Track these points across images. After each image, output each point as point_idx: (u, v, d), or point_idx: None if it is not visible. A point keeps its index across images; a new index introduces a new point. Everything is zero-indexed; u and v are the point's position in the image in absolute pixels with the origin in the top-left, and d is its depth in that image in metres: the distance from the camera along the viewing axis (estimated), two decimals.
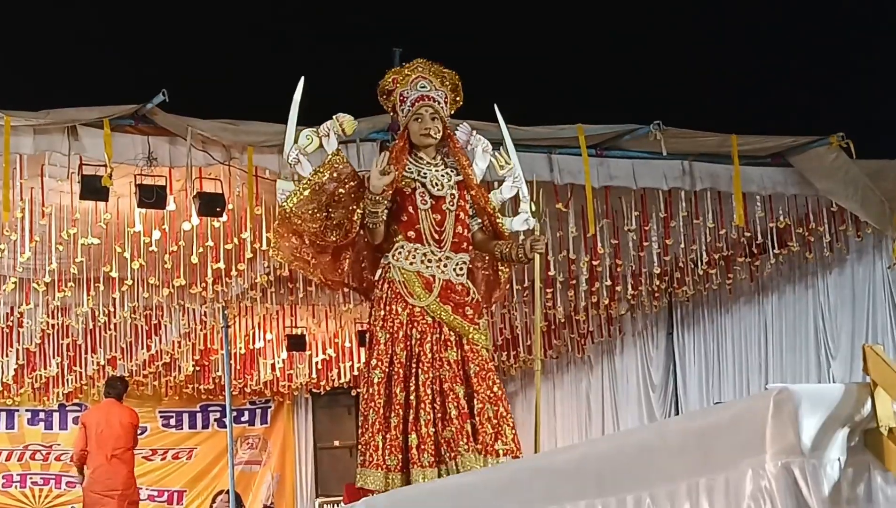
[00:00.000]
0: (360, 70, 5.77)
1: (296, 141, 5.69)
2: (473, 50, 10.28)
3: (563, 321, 13.01)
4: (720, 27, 11.33)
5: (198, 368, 14.35)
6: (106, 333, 12.61)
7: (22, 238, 9.26)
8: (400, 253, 5.66)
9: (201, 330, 13.06)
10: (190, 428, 16.38)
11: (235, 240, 9.63)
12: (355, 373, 14.64)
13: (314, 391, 16.00)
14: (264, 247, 9.62)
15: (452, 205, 5.73)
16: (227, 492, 12.61)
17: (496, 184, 6.37)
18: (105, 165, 8.15)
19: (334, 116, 5.81)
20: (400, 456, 5.47)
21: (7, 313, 12.13)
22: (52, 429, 15.26)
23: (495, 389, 5.65)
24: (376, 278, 5.76)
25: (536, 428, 5.94)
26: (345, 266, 5.86)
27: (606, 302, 12.04)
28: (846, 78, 10.87)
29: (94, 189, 8.32)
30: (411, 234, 5.67)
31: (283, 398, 16.50)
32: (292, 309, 13.04)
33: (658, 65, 11.31)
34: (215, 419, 16.25)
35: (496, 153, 6.09)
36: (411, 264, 5.64)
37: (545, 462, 4.47)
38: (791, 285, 11.38)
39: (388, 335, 5.59)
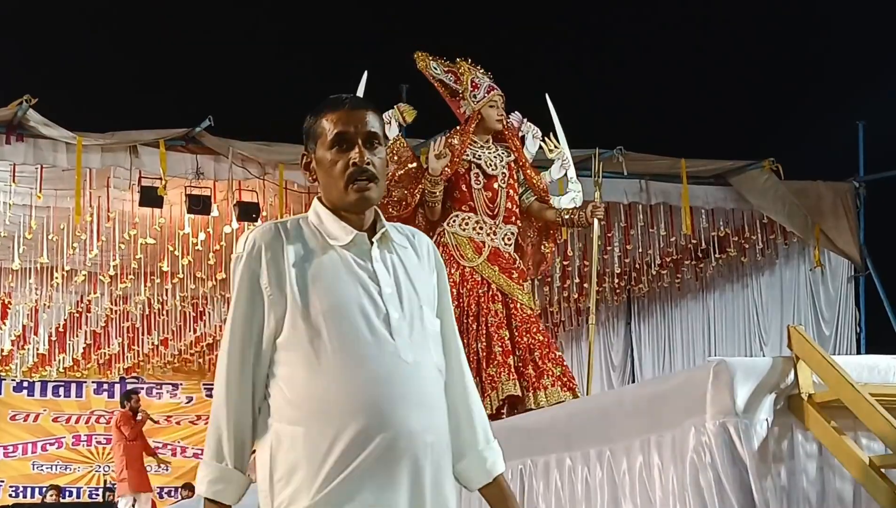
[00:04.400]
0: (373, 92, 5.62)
1: None
2: None
3: (539, 312, 12.94)
4: (675, 67, 11.34)
5: None
6: (160, 318, 12.61)
7: (90, 238, 9.28)
8: (455, 220, 5.41)
9: None
10: None
11: None
12: None
13: None
14: None
15: (504, 183, 5.46)
16: None
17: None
18: (160, 178, 8.17)
19: (395, 106, 5.57)
20: None
21: (77, 301, 12.14)
22: (114, 398, 15.16)
23: (539, 337, 5.36)
24: None
25: (589, 375, 5.96)
26: None
27: (576, 296, 12.02)
28: (777, 110, 10.88)
29: (151, 198, 8.35)
30: (465, 208, 5.42)
31: None
32: None
33: (621, 98, 11.31)
34: None
35: (546, 139, 5.76)
36: (464, 229, 5.39)
37: (520, 422, 4.46)
38: (730, 284, 11.36)
39: None
